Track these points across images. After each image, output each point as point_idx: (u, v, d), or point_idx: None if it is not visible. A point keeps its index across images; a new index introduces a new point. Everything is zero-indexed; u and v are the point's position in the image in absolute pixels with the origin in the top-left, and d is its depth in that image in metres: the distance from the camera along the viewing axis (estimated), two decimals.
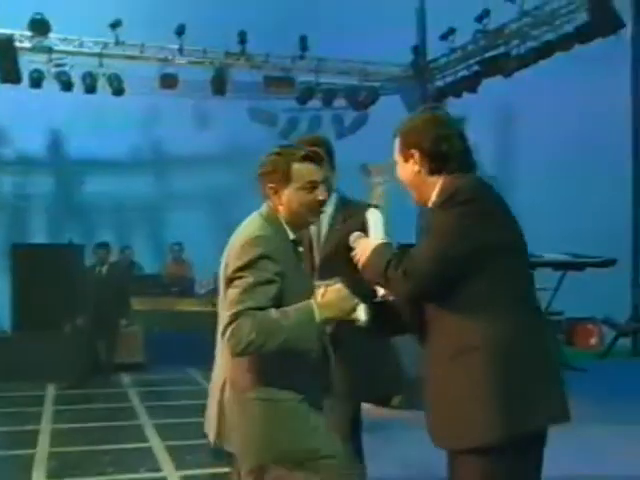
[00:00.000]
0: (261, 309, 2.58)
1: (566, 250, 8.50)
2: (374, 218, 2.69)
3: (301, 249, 2.86)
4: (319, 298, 2.62)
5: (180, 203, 13.56)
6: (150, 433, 6.85)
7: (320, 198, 2.76)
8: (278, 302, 2.63)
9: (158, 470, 5.65)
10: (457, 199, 2.20)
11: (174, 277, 11.86)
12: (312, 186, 2.74)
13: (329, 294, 2.62)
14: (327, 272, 3.05)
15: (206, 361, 10.85)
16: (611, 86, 9.98)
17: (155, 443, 6.46)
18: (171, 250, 12.28)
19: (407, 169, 2.43)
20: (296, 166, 2.74)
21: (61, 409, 7.95)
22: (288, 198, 2.75)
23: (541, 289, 8.32)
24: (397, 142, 2.50)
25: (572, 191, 11.20)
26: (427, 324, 2.28)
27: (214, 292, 11.80)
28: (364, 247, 2.45)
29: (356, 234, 2.61)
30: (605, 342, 10.66)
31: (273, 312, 2.58)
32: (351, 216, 3.23)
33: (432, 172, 2.39)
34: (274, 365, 2.66)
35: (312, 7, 12.83)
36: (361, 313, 2.59)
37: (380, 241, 2.48)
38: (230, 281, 2.68)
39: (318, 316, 2.58)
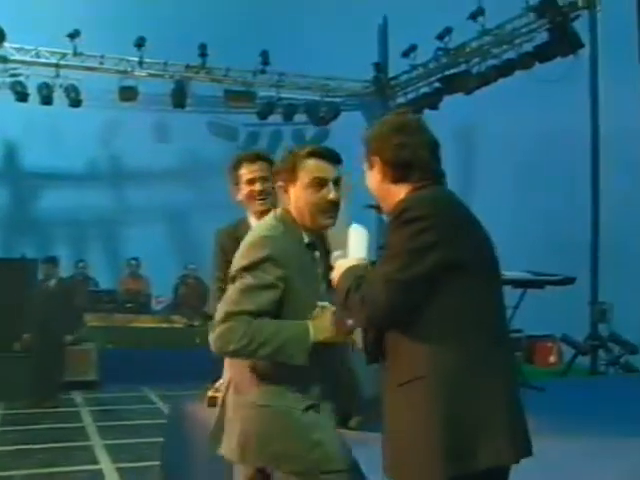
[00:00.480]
0: (258, 313, 2.49)
1: (525, 268, 8.47)
2: (355, 236, 2.47)
3: (317, 254, 2.65)
4: (315, 319, 2.53)
5: (137, 217, 13.30)
6: (100, 454, 6.63)
7: (330, 197, 2.55)
8: (278, 307, 2.53)
9: None
10: (405, 217, 2.04)
11: (130, 293, 11.64)
12: (319, 183, 2.56)
13: (325, 316, 2.52)
14: None
15: (161, 379, 10.63)
16: (570, 105, 10.03)
17: (105, 465, 6.26)
18: (128, 265, 12.06)
19: (371, 177, 2.29)
20: (302, 162, 2.58)
21: (7, 430, 7.69)
22: (296, 196, 2.59)
23: None
24: (363, 148, 2.37)
25: (531, 209, 11.22)
26: (386, 350, 2.14)
27: (170, 308, 11.66)
28: (338, 269, 2.29)
29: (336, 254, 2.46)
30: (564, 360, 10.65)
31: (269, 323, 2.49)
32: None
33: (395, 181, 2.23)
34: (277, 370, 2.54)
35: (274, 21, 12.75)
36: (358, 337, 2.45)
37: (351, 263, 2.29)
38: (233, 279, 2.59)
39: (312, 337, 2.50)
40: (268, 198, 3.23)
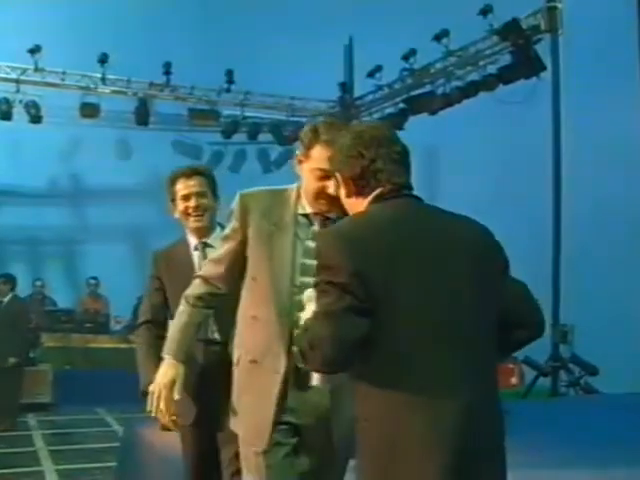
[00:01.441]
0: (218, 259, 2.59)
1: None
2: None
3: (315, 227, 2.51)
4: None
5: (98, 236, 13.12)
6: None
7: (330, 191, 2.41)
8: (234, 256, 2.52)
9: None
10: (320, 263, 1.91)
11: (89, 312, 11.44)
12: (323, 174, 2.44)
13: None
14: (225, 309, 2.75)
15: (118, 400, 10.35)
16: (533, 126, 10.12)
17: None
18: (87, 284, 11.87)
19: (340, 193, 2.20)
20: (316, 146, 2.45)
21: None
22: (303, 174, 2.52)
23: None
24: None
25: (497, 232, 11.25)
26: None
27: (130, 328, 11.43)
28: (306, 315, 2.10)
29: (309, 292, 2.32)
30: (526, 382, 10.67)
31: None
32: None
33: (356, 195, 2.11)
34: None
35: (239, 40, 12.72)
36: None
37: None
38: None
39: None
40: (205, 214, 3.09)
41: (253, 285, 2.51)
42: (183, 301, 2.63)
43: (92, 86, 12.36)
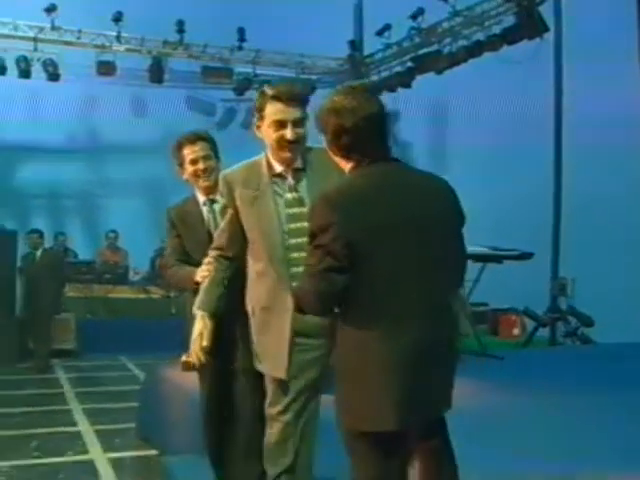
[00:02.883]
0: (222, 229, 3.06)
1: (493, 243, 8.83)
2: None
3: (290, 181, 2.91)
4: None
5: (116, 191, 13.53)
6: (79, 417, 6.96)
7: (287, 137, 2.81)
8: (232, 226, 2.98)
9: (85, 453, 5.77)
10: (310, 227, 2.31)
11: (108, 264, 11.92)
12: (279, 124, 2.82)
13: None
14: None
15: (137, 348, 10.92)
16: (536, 86, 10.38)
17: (84, 427, 6.58)
18: (106, 237, 12.33)
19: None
20: (267, 104, 2.85)
21: None
22: (264, 134, 2.89)
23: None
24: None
25: (500, 187, 11.57)
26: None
27: (147, 279, 11.95)
28: None
29: (293, 226, 2.76)
30: (527, 332, 11.09)
31: None
32: None
33: (341, 157, 2.47)
34: None
35: None
36: None
37: None
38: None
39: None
40: (211, 175, 3.50)
41: (252, 247, 2.96)
42: (210, 262, 3.08)
43: (107, 44, 12.65)
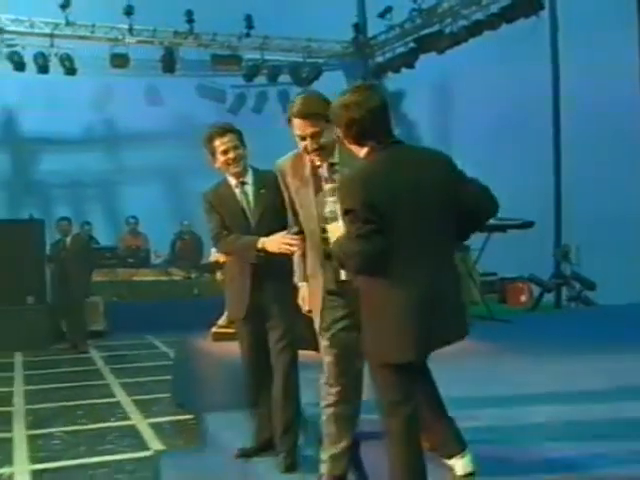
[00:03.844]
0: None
1: (499, 214, 9.30)
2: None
3: (325, 174, 3.31)
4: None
5: (133, 178, 14.07)
6: (117, 390, 7.52)
7: (308, 149, 3.28)
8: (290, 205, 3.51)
9: (127, 419, 6.33)
10: (344, 207, 2.80)
11: (130, 249, 12.44)
12: (300, 138, 3.29)
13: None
14: (263, 229, 3.81)
15: (163, 328, 11.45)
16: (534, 62, 10.80)
17: (122, 398, 7.14)
18: (127, 223, 12.85)
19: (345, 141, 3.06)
20: (294, 119, 3.29)
21: (31, 374, 8.57)
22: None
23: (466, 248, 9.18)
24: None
25: (503, 160, 12.01)
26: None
27: (168, 262, 12.49)
28: (333, 231, 2.99)
29: (327, 211, 3.20)
30: (534, 299, 11.57)
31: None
32: (264, 185, 3.89)
33: (355, 144, 2.93)
34: None
35: None
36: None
37: (340, 232, 2.93)
38: None
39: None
40: (241, 162, 3.98)
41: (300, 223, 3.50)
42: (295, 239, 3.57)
43: (120, 37, 13.13)
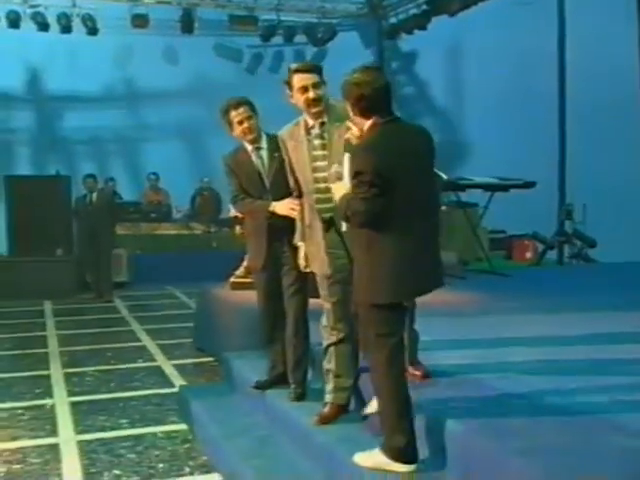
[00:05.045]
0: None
1: (504, 174, 9.70)
2: (347, 162, 3.47)
3: (317, 131, 3.84)
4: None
5: (154, 135, 14.49)
6: (142, 335, 8.11)
7: (310, 96, 3.74)
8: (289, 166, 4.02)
9: (153, 361, 6.93)
10: (356, 170, 3.20)
11: (152, 204, 12.96)
12: (303, 89, 3.74)
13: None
14: (276, 189, 4.28)
15: (183, 279, 12.05)
16: (541, 25, 11.13)
17: (147, 342, 7.73)
18: (148, 179, 13.33)
19: (349, 111, 3.53)
20: (293, 77, 3.79)
21: (61, 320, 9.17)
22: (296, 100, 3.87)
23: (472, 205, 9.63)
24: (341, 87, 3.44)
25: (510, 121, 12.40)
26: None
27: (189, 217, 13.01)
28: (337, 190, 3.42)
29: (333, 171, 3.69)
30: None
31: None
32: (278, 147, 4.20)
33: (361, 116, 3.32)
34: None
35: None
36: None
37: (344, 189, 3.35)
38: None
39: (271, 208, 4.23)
40: (255, 130, 4.44)
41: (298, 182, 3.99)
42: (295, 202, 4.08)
43: None
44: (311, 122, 3.89)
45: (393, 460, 3.13)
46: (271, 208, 4.26)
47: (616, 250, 10.12)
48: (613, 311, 5.86)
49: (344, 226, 3.62)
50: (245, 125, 4.40)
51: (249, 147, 4.47)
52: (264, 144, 4.46)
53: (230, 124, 4.45)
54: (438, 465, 3.13)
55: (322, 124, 3.87)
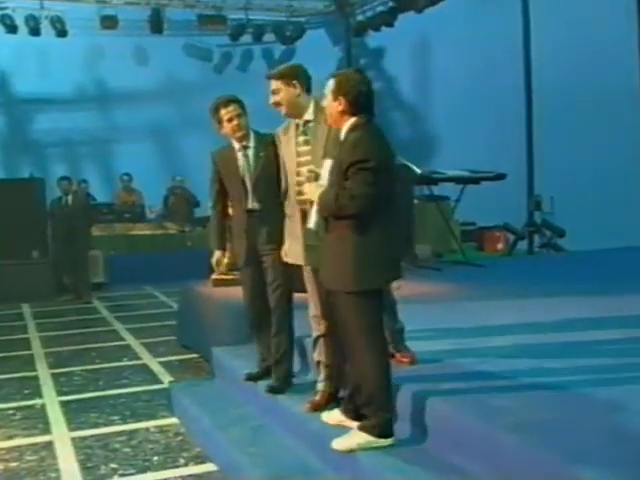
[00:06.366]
0: None
1: (473, 167, 9.92)
2: (326, 164, 3.63)
3: (301, 128, 4.05)
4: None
5: (125, 136, 14.55)
6: (125, 335, 8.20)
7: (270, 102, 4.06)
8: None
9: (138, 359, 7.03)
10: (356, 158, 3.34)
11: (126, 205, 13.00)
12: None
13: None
14: (259, 189, 4.43)
15: (160, 279, 12.11)
16: (506, 19, 11.38)
17: (131, 341, 7.82)
18: (121, 180, 13.35)
19: (332, 105, 3.62)
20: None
21: (41, 322, 9.21)
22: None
23: (444, 198, 9.85)
24: (331, 84, 3.54)
25: (478, 114, 12.64)
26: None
27: (163, 217, 13.08)
28: (313, 190, 3.56)
29: (306, 170, 3.84)
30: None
31: None
32: (264, 147, 4.42)
33: (350, 114, 3.49)
34: None
35: None
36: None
37: (323, 188, 3.50)
38: None
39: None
40: (244, 128, 4.55)
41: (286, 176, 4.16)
42: None
43: None
44: (296, 121, 4.07)
45: (376, 437, 3.33)
46: (214, 257, 4.71)
47: (584, 239, 10.43)
48: (582, 297, 6.10)
49: (312, 223, 3.67)
50: (235, 123, 4.50)
51: (236, 145, 4.57)
52: (251, 143, 4.56)
53: (219, 122, 4.55)
54: (423, 440, 3.33)
55: (307, 122, 4.03)
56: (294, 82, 4.02)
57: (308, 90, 4.09)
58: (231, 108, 4.53)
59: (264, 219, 4.37)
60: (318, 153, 3.88)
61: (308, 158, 3.96)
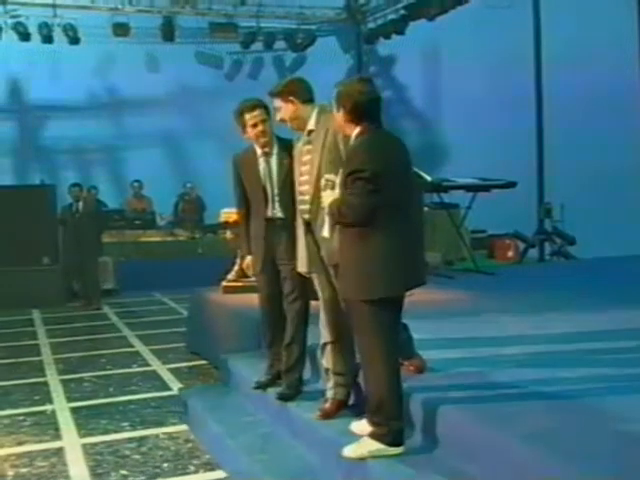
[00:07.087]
0: None
1: (483, 175, 9.91)
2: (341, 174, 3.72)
3: (305, 137, 4.05)
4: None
5: (136, 142, 14.61)
6: (134, 341, 8.21)
7: (279, 118, 4.11)
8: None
9: (148, 365, 7.03)
10: (352, 168, 3.36)
11: (136, 211, 13.03)
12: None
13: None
14: (283, 196, 4.38)
15: (169, 286, 12.14)
16: (517, 28, 11.38)
17: (140, 348, 7.83)
18: (132, 187, 13.40)
19: (337, 116, 3.66)
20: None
21: (51, 328, 9.24)
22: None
23: (454, 206, 9.82)
24: (334, 95, 3.57)
25: (488, 123, 12.63)
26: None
27: (173, 223, 13.11)
28: (326, 197, 3.56)
29: (327, 180, 3.80)
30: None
31: None
32: (288, 154, 4.34)
33: (352, 123, 3.50)
34: None
35: None
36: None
37: (335, 196, 3.51)
38: None
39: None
40: (267, 134, 4.50)
41: None
42: None
43: (120, 7, 13.61)
44: (303, 132, 4.08)
45: (386, 445, 3.32)
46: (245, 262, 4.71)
47: (594, 246, 10.40)
48: (594, 305, 6.05)
49: (325, 231, 3.72)
50: (259, 128, 4.45)
51: (259, 151, 4.52)
52: (274, 150, 4.50)
53: (243, 126, 4.50)
54: (433, 448, 3.31)
55: (310, 131, 4.02)
56: (291, 98, 4.01)
57: (311, 100, 4.07)
58: (256, 113, 4.46)
59: (286, 228, 4.31)
60: (315, 161, 3.90)
61: (308, 167, 3.96)
